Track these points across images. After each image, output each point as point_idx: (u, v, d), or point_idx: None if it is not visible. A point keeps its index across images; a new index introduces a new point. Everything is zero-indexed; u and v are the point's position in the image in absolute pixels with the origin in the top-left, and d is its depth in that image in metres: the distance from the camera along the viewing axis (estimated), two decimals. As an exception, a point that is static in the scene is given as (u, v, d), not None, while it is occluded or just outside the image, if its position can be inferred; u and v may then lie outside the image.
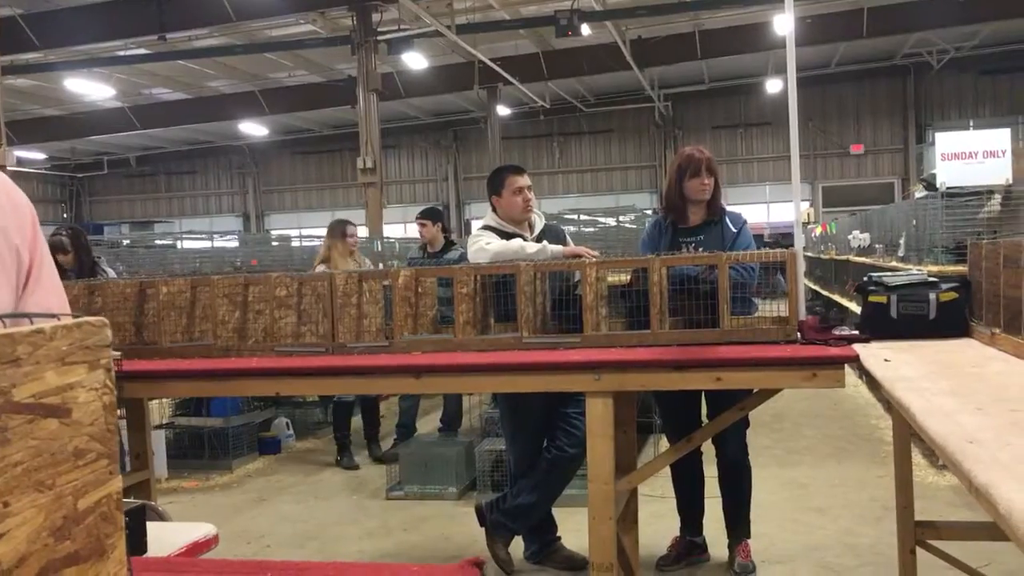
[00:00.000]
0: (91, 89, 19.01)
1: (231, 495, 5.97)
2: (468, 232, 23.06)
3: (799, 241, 3.45)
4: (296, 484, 6.18)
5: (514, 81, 18.58)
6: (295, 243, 14.31)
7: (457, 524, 5.03)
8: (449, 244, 6.54)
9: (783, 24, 13.34)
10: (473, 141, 25.09)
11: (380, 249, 11.79)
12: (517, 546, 4.25)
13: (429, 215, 6.55)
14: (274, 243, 15.37)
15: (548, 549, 4.25)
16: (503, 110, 21.57)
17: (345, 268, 5.84)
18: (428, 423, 7.36)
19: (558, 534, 4.30)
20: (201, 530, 2.95)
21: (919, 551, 3.15)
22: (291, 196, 28.41)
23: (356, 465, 6.48)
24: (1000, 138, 5.53)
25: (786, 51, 3.48)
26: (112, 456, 1.10)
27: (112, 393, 1.11)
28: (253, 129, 24.45)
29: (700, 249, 3.92)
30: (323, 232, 6.97)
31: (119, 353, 3.61)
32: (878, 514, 4.86)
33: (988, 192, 5.52)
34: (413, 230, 6.87)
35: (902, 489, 3.06)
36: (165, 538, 2.78)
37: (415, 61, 16.39)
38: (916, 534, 3.05)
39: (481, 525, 4.19)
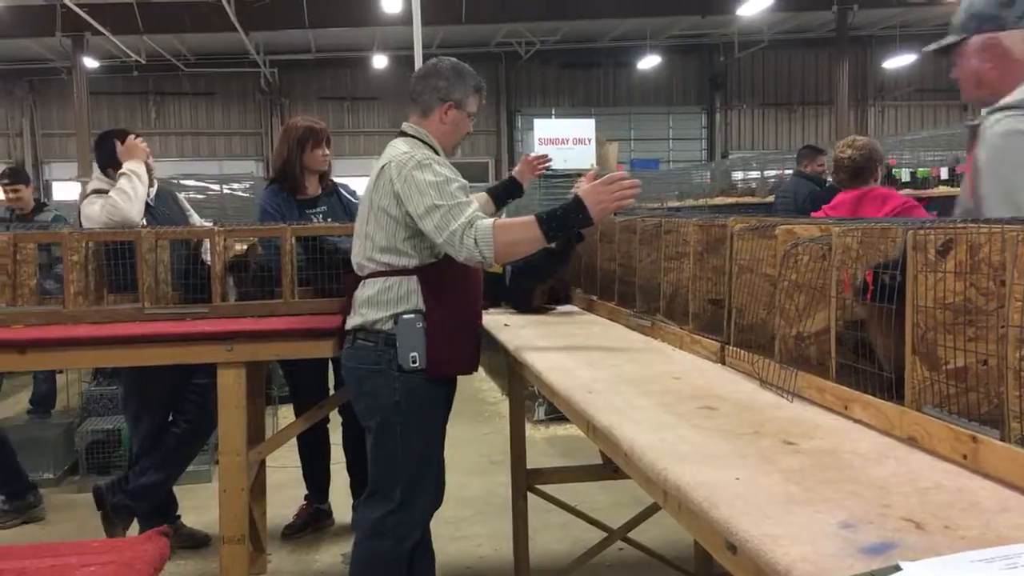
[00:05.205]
0: None
1: None
2: (49, 195, 20.92)
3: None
4: None
5: (104, 31, 17.01)
6: None
7: (58, 511, 4.64)
8: (40, 206, 5.97)
9: (391, 2, 13.71)
10: (55, 94, 22.53)
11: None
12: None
13: (20, 178, 5.92)
14: None
15: (171, 529, 4.07)
16: (91, 62, 19.61)
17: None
18: (12, 406, 6.63)
19: (178, 512, 4.14)
20: None
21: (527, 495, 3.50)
22: None
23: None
24: (587, 127, 6.23)
25: (392, 28, 3.64)
26: None
27: None
28: None
29: (328, 219, 3.97)
30: None
31: None
32: (485, 468, 5.30)
33: (578, 174, 6.20)
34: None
35: (516, 441, 3.39)
36: None
37: (-17, -2, 14.40)
38: (528, 481, 3.39)
39: (99, 509, 3.90)
